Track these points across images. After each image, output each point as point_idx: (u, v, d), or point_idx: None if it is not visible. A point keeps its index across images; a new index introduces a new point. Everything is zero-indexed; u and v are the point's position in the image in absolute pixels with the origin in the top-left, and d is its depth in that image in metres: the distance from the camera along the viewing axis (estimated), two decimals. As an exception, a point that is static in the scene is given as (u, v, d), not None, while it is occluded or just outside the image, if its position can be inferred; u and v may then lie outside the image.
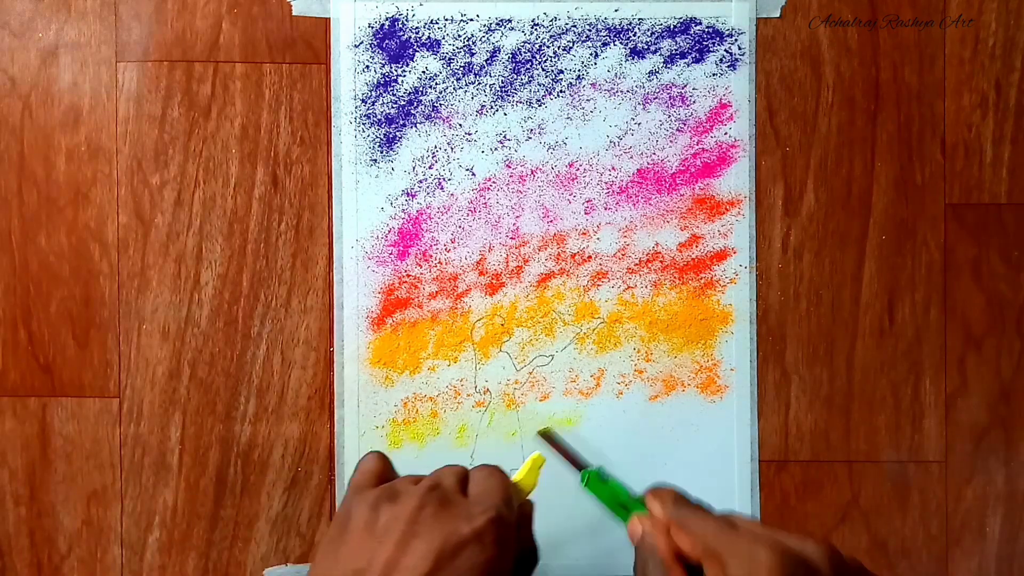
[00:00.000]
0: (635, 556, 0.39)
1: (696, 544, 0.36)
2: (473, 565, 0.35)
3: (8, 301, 0.59)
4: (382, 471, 0.41)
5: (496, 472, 0.40)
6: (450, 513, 0.36)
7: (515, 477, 0.41)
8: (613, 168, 0.60)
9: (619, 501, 0.40)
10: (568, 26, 0.59)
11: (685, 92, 0.60)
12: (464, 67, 0.59)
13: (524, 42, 0.59)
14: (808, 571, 0.34)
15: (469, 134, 0.59)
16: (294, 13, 0.59)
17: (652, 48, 0.60)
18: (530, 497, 0.42)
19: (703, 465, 0.59)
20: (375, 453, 0.42)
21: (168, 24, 0.59)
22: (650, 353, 0.60)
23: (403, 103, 0.59)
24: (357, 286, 0.59)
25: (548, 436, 0.42)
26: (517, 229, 0.60)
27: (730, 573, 0.34)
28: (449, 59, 0.59)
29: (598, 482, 0.41)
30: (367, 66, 0.59)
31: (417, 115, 0.59)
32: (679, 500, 0.39)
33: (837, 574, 0.35)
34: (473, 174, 0.59)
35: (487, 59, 0.59)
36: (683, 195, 0.60)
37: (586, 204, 0.60)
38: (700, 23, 0.60)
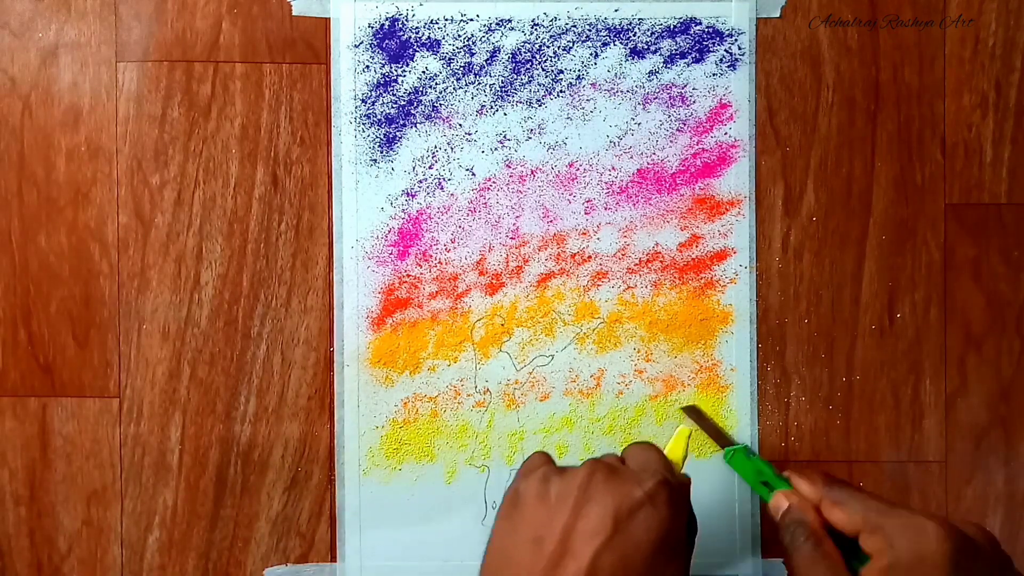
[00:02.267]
0: (781, 532, 0.40)
1: (854, 518, 0.37)
2: (649, 527, 0.36)
3: (8, 301, 0.59)
4: (547, 462, 0.42)
5: (652, 446, 0.42)
6: (621, 479, 0.37)
7: (665, 450, 0.42)
8: (613, 168, 0.60)
9: (762, 478, 0.41)
10: (568, 26, 0.59)
11: (685, 92, 0.60)
12: (464, 67, 0.59)
13: (524, 42, 0.59)
14: (974, 548, 0.36)
15: (469, 134, 0.59)
16: (294, 13, 0.59)
17: (652, 48, 0.60)
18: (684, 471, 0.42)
19: (703, 465, 0.59)
20: (540, 452, 0.43)
21: (168, 24, 0.59)
22: (650, 353, 0.60)
23: (403, 103, 0.59)
24: (357, 286, 0.59)
25: (694, 411, 0.43)
26: (517, 229, 0.60)
27: (895, 543, 0.35)
28: (449, 59, 0.59)
29: (744, 459, 0.42)
30: (367, 66, 0.59)
31: (417, 115, 0.59)
32: (830, 479, 0.40)
33: (997, 556, 0.36)
34: (473, 174, 0.59)
35: (487, 59, 0.59)
36: (683, 195, 0.60)
37: (586, 204, 0.60)
38: (700, 23, 0.60)
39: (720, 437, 0.43)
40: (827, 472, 0.40)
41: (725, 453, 0.42)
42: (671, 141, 0.60)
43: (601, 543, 0.35)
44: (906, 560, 0.35)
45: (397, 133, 0.59)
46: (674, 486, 0.38)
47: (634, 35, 0.59)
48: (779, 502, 0.41)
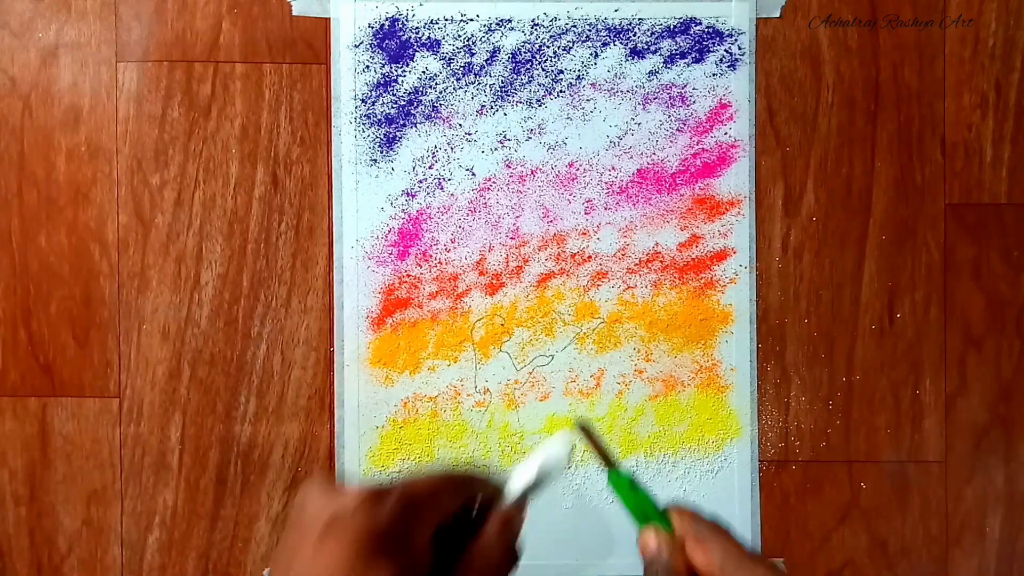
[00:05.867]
0: (643, 568, 0.40)
1: (712, 562, 0.38)
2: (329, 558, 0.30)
3: (8, 301, 0.59)
4: (324, 478, 0.38)
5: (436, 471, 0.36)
6: (325, 495, 0.33)
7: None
8: (613, 168, 0.60)
9: (643, 510, 0.41)
10: (568, 26, 0.59)
11: (685, 92, 0.60)
12: (464, 67, 0.59)
13: (524, 42, 0.59)
14: None
15: (469, 134, 0.59)
16: (294, 13, 0.59)
17: (652, 48, 0.60)
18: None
19: (703, 465, 0.59)
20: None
21: (168, 24, 0.59)
22: (650, 353, 0.60)
23: (403, 103, 0.59)
24: (357, 286, 0.59)
25: (585, 428, 0.42)
26: (517, 229, 0.60)
27: None
28: (449, 59, 0.59)
29: (627, 488, 0.41)
30: (367, 66, 0.59)
31: (417, 115, 0.59)
32: (698, 519, 0.40)
33: None
34: (473, 174, 0.59)
35: (487, 59, 0.59)
36: (683, 195, 0.60)
37: (586, 204, 0.60)
38: (700, 23, 0.60)
39: (607, 460, 0.42)
40: (697, 512, 0.40)
41: (609, 476, 0.41)
42: (671, 141, 0.60)
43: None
44: None
45: (397, 133, 0.59)
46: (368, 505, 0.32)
47: (634, 35, 0.59)
48: (647, 539, 0.41)
